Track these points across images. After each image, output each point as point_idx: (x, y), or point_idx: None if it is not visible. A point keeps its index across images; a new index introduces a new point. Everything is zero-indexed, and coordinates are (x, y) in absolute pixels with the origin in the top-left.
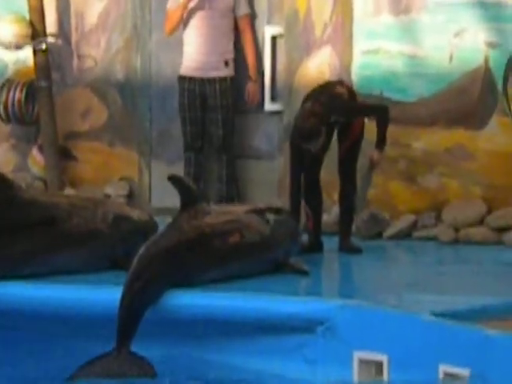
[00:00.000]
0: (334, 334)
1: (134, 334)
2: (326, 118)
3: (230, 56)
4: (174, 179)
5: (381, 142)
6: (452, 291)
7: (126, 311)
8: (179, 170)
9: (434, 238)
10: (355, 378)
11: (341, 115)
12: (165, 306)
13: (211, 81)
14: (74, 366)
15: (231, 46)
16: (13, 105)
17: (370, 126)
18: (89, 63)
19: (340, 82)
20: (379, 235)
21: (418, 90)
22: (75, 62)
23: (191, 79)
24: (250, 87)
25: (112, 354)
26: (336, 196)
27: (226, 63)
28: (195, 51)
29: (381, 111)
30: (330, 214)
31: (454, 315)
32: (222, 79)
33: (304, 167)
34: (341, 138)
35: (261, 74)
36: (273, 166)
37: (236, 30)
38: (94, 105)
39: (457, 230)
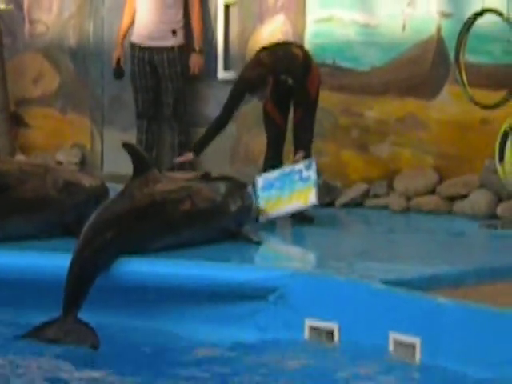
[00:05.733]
0: (285, 302)
1: (82, 302)
2: (274, 72)
3: (179, 25)
4: (127, 146)
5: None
6: (403, 260)
7: (75, 278)
8: (132, 137)
9: (385, 207)
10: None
11: (289, 75)
12: (115, 273)
13: (159, 50)
14: (22, 332)
15: (180, 16)
16: None
17: (325, 94)
18: (40, 28)
19: (299, 46)
20: (331, 203)
21: (370, 59)
22: (27, 27)
23: (141, 47)
24: (193, 58)
25: (59, 320)
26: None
27: (174, 32)
28: (145, 19)
29: (309, 107)
30: None
31: (405, 283)
32: (170, 49)
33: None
34: (294, 102)
35: (214, 42)
36: (225, 134)
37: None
38: (45, 70)
39: (408, 198)
